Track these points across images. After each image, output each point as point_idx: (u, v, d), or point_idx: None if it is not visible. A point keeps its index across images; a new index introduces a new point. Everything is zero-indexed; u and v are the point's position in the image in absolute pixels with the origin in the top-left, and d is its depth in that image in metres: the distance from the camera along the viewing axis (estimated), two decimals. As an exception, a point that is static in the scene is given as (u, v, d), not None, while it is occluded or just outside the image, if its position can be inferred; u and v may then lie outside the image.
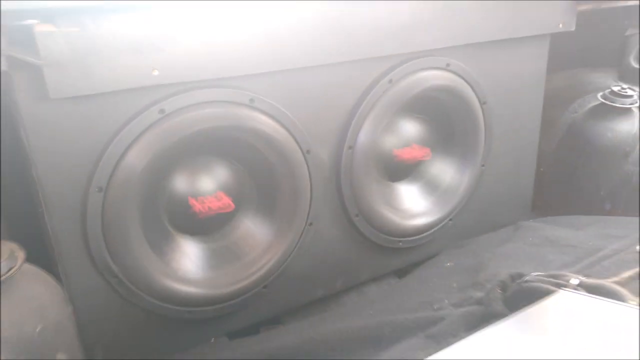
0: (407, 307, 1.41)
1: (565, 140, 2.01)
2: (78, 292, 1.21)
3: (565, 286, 1.04)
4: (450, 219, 1.77)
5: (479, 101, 1.68)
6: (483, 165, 1.78)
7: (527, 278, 1.09)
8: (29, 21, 0.97)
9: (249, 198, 1.43)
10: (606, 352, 0.85)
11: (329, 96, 1.42)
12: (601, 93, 1.92)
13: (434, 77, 1.56)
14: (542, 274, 1.11)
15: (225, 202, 1.35)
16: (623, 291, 0.98)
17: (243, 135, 1.31)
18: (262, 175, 1.41)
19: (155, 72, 1.12)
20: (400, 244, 1.69)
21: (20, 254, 1.02)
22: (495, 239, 1.77)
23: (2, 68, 0.96)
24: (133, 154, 1.17)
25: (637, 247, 1.36)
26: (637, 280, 1.12)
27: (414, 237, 1.71)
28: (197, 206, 1.32)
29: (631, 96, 1.87)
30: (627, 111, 1.86)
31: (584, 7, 1.94)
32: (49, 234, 1.18)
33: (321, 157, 1.46)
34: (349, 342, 1.26)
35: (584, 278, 1.07)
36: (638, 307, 0.90)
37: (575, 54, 2.20)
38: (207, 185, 1.35)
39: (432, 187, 1.74)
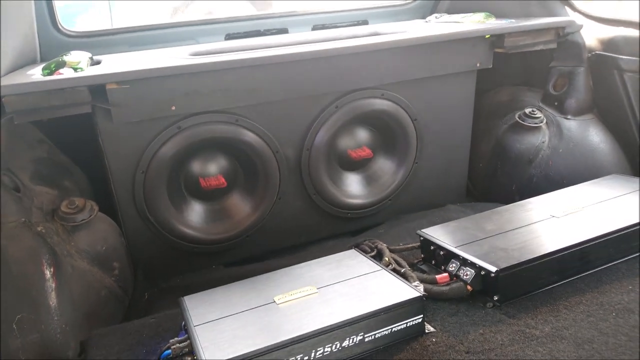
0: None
1: (496, 145, 2.62)
2: (128, 230, 2.06)
3: (370, 247, 1.74)
4: (390, 200, 2.46)
5: (411, 118, 2.34)
6: (416, 163, 2.45)
7: (365, 241, 1.81)
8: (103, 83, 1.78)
9: (237, 179, 2.21)
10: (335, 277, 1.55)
11: (291, 117, 2.15)
12: (518, 113, 2.51)
13: (371, 103, 2.24)
14: (372, 239, 1.82)
15: (221, 181, 2.13)
16: (387, 253, 1.66)
17: (230, 141, 2.07)
18: (246, 165, 2.18)
19: (173, 108, 1.91)
20: (349, 215, 2.41)
21: (96, 207, 1.87)
22: (418, 216, 2.45)
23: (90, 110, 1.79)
24: (162, 152, 1.97)
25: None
26: (418, 250, 1.79)
27: (359, 211, 2.42)
28: (202, 182, 2.12)
29: (538, 117, 2.46)
30: (533, 129, 2.45)
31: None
32: (113, 195, 2.01)
33: (287, 155, 2.20)
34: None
35: (383, 244, 1.76)
36: (382, 269, 1.56)
37: (520, 75, 2.76)
38: (210, 170, 2.15)
39: (374, 176, 2.44)
